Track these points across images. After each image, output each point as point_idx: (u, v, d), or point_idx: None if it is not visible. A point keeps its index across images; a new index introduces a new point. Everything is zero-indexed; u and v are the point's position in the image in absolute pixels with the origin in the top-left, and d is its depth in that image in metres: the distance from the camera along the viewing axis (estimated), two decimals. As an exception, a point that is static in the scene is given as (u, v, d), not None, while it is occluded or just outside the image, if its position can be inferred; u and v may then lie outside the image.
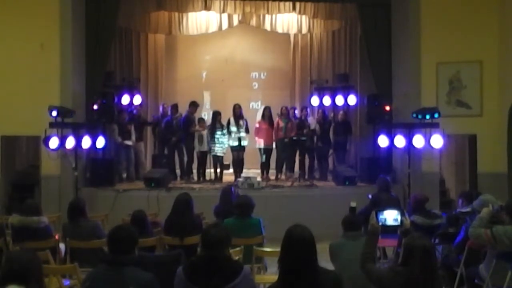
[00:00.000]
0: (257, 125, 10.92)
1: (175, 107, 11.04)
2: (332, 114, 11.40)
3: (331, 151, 11.19)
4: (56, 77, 9.21)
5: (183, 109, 11.05)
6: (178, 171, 10.95)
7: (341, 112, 11.16)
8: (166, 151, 11.05)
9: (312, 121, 10.96)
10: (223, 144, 10.50)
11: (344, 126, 11.00)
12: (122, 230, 3.44)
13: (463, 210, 6.19)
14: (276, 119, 10.83)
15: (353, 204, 4.93)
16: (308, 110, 11.33)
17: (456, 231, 5.81)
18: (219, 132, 10.46)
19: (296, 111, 11.41)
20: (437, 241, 5.80)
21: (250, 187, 9.38)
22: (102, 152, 9.98)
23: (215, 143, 10.47)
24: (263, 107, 11.42)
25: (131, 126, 10.71)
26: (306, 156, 10.93)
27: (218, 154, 10.52)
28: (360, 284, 3.93)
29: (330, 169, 11.25)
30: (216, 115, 10.64)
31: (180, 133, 10.55)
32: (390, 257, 6.79)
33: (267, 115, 10.81)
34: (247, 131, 10.59)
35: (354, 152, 11.96)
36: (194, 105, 10.89)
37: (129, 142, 10.61)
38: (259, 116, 11.35)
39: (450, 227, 5.98)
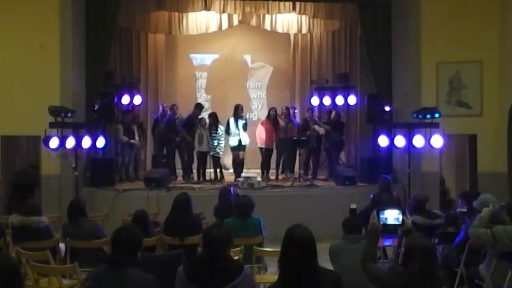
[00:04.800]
0: (260, 125, 10.94)
1: (176, 107, 11.04)
2: (333, 114, 11.41)
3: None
4: (56, 77, 9.22)
5: (182, 110, 11.08)
6: (179, 171, 10.96)
7: (333, 113, 11.17)
8: (165, 151, 11.07)
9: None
10: (217, 143, 10.50)
11: (337, 127, 11.02)
12: (127, 232, 3.41)
13: (463, 210, 6.20)
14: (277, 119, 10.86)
15: (353, 206, 4.93)
16: (314, 111, 11.31)
17: (455, 230, 5.83)
18: (213, 133, 10.49)
19: (296, 110, 11.39)
20: (436, 241, 5.81)
21: (250, 187, 9.39)
22: (102, 152, 9.97)
23: (214, 144, 10.49)
24: (260, 106, 11.42)
25: (134, 126, 10.72)
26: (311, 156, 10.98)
27: (215, 155, 10.55)
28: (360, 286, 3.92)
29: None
30: (212, 116, 10.70)
31: (182, 133, 10.57)
32: (390, 257, 6.79)
33: (272, 115, 10.81)
34: (245, 130, 10.60)
35: (354, 152, 11.98)
36: (199, 108, 10.93)
37: (134, 141, 10.62)
38: (260, 116, 11.35)
39: (449, 226, 6.00)
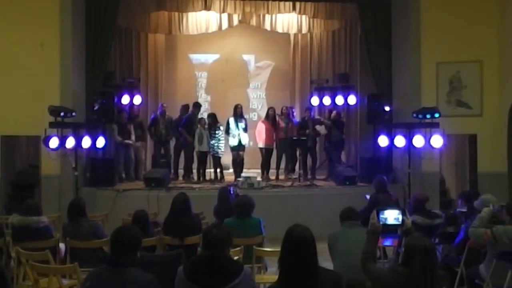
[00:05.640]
0: (260, 125, 10.95)
1: (186, 107, 11.06)
2: (334, 114, 11.40)
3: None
4: (56, 77, 9.21)
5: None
6: (181, 171, 10.96)
7: (333, 113, 11.17)
8: (163, 151, 11.07)
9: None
10: (217, 142, 10.52)
11: (337, 126, 11.01)
12: (126, 232, 3.41)
13: (463, 210, 6.20)
14: (276, 119, 10.85)
15: None
16: (312, 111, 11.34)
17: (454, 230, 5.83)
18: (213, 133, 10.50)
19: (294, 110, 11.36)
20: (436, 240, 5.80)
21: (250, 187, 9.39)
22: (102, 152, 9.97)
23: (214, 143, 10.50)
24: (260, 106, 11.42)
25: (130, 125, 10.72)
26: (308, 156, 10.95)
27: (215, 155, 10.56)
28: (359, 269, 4.00)
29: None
30: (211, 116, 10.71)
31: (183, 133, 10.58)
32: (390, 257, 6.79)
33: (271, 115, 10.82)
34: (245, 130, 10.61)
35: (354, 152, 11.98)
36: (197, 106, 10.96)
37: (129, 141, 10.62)
38: (260, 116, 11.35)
39: (449, 226, 5.99)
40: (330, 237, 4.82)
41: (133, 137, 10.71)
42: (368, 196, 7.34)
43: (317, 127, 10.88)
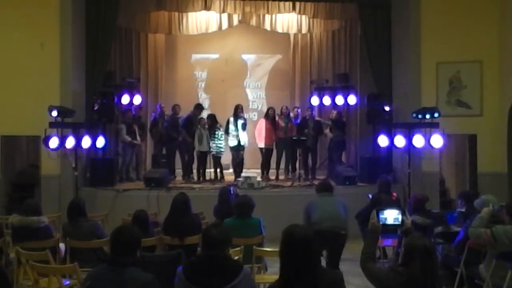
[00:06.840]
0: (261, 123, 10.94)
1: (177, 106, 11.05)
2: (335, 114, 11.38)
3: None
4: (56, 77, 9.22)
5: (182, 110, 11.09)
6: (179, 171, 10.96)
7: (335, 112, 11.16)
8: (164, 151, 11.07)
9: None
10: (217, 142, 10.52)
11: (338, 126, 11.01)
12: (126, 231, 3.40)
13: (463, 210, 6.21)
14: (276, 119, 10.85)
15: None
16: (314, 111, 11.32)
17: (445, 230, 5.86)
18: (213, 133, 10.50)
19: (300, 110, 11.34)
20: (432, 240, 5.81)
21: (250, 187, 9.39)
22: (102, 152, 9.97)
23: (214, 143, 10.50)
24: (260, 106, 11.39)
25: (135, 125, 10.73)
26: (309, 156, 10.96)
27: (216, 155, 10.56)
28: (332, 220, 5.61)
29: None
30: (210, 118, 10.70)
31: (182, 133, 10.58)
32: (390, 257, 6.80)
33: (271, 115, 10.81)
34: (243, 129, 10.59)
35: (354, 152, 11.97)
36: (198, 108, 10.94)
37: (136, 141, 10.64)
38: (260, 116, 11.32)
39: (437, 226, 6.02)
40: (308, 204, 5.89)
41: (138, 136, 10.72)
42: (371, 196, 7.35)
43: (326, 132, 10.88)
